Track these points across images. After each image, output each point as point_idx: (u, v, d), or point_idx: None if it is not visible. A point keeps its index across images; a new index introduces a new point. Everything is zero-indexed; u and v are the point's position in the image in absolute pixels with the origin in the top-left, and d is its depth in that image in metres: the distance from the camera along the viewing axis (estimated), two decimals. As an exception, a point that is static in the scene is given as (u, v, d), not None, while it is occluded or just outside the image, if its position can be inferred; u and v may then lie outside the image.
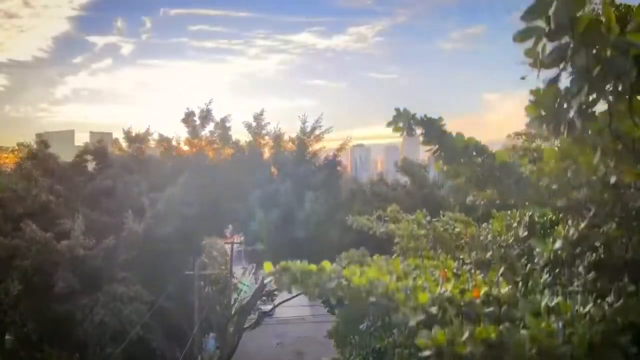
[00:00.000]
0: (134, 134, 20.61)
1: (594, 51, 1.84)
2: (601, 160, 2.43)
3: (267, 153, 19.00)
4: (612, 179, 2.58)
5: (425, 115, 3.50)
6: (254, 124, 18.93)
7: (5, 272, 15.18)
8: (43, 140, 18.92)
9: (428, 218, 6.50)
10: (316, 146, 18.99)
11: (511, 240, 4.11)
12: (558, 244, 3.10)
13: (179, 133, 19.77)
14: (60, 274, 14.79)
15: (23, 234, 14.94)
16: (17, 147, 77.56)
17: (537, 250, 3.46)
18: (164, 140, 19.83)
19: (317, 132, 18.67)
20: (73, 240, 15.02)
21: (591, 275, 3.09)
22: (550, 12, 1.84)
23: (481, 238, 4.80)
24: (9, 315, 15.70)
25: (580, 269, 3.21)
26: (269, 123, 19.29)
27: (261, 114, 19.23)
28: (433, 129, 3.43)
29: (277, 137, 19.30)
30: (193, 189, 16.93)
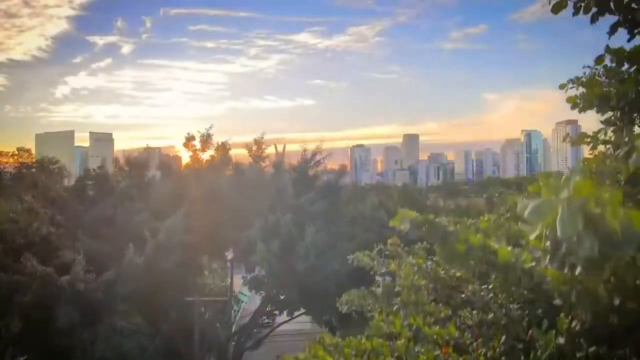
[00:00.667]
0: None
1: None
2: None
3: (268, 177, 18.94)
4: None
5: (426, 216, 3.47)
6: (254, 147, 18.90)
7: (6, 308, 15.14)
8: (44, 167, 18.90)
9: (429, 262, 6.48)
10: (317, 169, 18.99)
11: (512, 300, 4.06)
12: (561, 340, 3.04)
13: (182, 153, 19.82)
14: (61, 308, 14.77)
15: (24, 269, 14.90)
16: (17, 152, 77.00)
17: (540, 343, 3.39)
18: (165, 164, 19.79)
19: (317, 157, 18.67)
20: (74, 275, 15.00)
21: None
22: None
23: (482, 293, 4.74)
24: (10, 350, 15.60)
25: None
26: (269, 146, 19.27)
27: (262, 137, 19.19)
28: (435, 230, 3.42)
29: (278, 165, 19.21)
30: (194, 215, 16.92)
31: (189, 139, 19.14)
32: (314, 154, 18.66)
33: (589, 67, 4.31)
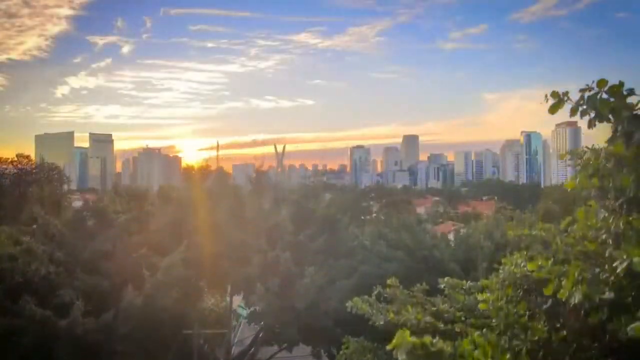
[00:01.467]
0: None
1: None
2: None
3: (267, 209, 18.83)
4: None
5: (423, 342, 3.45)
6: (253, 174, 18.89)
7: (4, 350, 15.09)
8: (44, 203, 18.89)
9: (428, 318, 6.45)
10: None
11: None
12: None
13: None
14: (59, 351, 14.73)
15: (22, 311, 14.87)
16: (16, 158, 76.83)
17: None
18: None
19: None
20: (73, 319, 14.97)
21: None
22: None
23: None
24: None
25: None
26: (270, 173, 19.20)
27: (262, 166, 19.17)
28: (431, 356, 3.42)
29: (277, 199, 19.16)
30: (194, 250, 16.94)
31: (187, 169, 19.16)
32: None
33: (587, 148, 4.35)
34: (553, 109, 4.02)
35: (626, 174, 3.89)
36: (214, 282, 18.80)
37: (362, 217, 63.41)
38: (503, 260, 4.32)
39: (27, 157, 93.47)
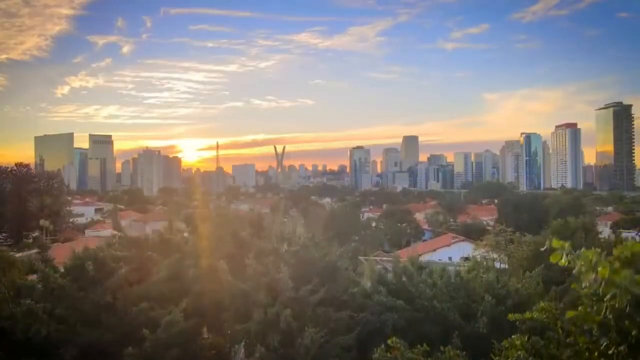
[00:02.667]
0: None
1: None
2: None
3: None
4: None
5: None
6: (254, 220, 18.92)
7: None
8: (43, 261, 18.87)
9: None
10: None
11: None
12: None
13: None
14: None
15: None
16: (15, 168, 77.12)
17: None
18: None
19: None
20: None
21: None
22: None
23: None
24: None
25: None
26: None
27: (261, 217, 19.20)
28: None
29: (278, 251, 19.04)
30: (195, 302, 16.96)
31: (188, 215, 19.18)
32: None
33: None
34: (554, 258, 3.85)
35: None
36: (215, 335, 18.82)
37: (363, 232, 63.72)
38: None
39: (27, 165, 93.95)
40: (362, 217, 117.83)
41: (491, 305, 17.72)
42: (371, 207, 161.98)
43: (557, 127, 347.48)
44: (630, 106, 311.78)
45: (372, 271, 21.62)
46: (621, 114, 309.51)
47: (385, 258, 52.27)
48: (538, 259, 27.15)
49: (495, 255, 39.61)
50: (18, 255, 51.13)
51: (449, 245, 57.09)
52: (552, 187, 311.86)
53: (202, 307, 18.40)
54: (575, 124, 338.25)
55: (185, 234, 22.20)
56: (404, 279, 19.72)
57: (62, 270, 19.62)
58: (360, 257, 50.57)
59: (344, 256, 20.75)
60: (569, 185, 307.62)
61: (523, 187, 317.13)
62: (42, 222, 66.38)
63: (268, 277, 17.47)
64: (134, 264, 19.13)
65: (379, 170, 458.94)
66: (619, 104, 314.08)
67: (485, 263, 25.78)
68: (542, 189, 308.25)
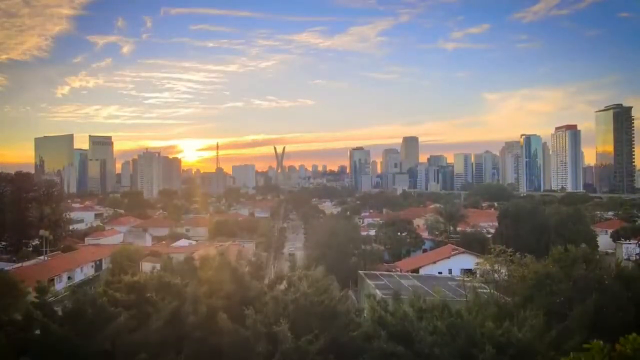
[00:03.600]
0: None
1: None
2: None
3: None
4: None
5: None
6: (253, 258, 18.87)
7: None
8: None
9: None
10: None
11: None
12: None
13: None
14: None
15: None
16: (15, 177, 77.20)
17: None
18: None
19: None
20: None
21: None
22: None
23: None
24: None
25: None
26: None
27: (260, 267, 19.15)
28: None
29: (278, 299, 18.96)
30: (194, 346, 16.87)
31: (188, 257, 19.07)
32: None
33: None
34: None
35: None
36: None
37: (363, 247, 63.62)
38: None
39: (27, 174, 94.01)
40: (362, 222, 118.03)
41: (492, 355, 17.65)
42: (371, 211, 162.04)
43: (557, 128, 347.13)
44: (630, 108, 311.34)
45: (372, 310, 21.53)
46: (621, 116, 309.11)
47: (385, 272, 52.26)
48: (540, 287, 27.13)
49: (496, 276, 39.58)
50: (17, 266, 51.15)
51: (449, 257, 57.03)
52: (552, 188, 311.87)
53: (202, 355, 18.31)
54: (575, 126, 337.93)
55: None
56: (405, 323, 19.67)
57: (60, 311, 19.56)
58: (360, 272, 50.60)
59: (342, 301, 20.72)
60: (569, 187, 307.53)
61: (523, 189, 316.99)
62: (41, 232, 66.29)
63: (268, 328, 17.42)
64: (133, 310, 19.08)
65: (379, 170, 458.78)
66: (619, 105, 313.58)
67: (486, 298, 25.68)
68: (542, 190, 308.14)
